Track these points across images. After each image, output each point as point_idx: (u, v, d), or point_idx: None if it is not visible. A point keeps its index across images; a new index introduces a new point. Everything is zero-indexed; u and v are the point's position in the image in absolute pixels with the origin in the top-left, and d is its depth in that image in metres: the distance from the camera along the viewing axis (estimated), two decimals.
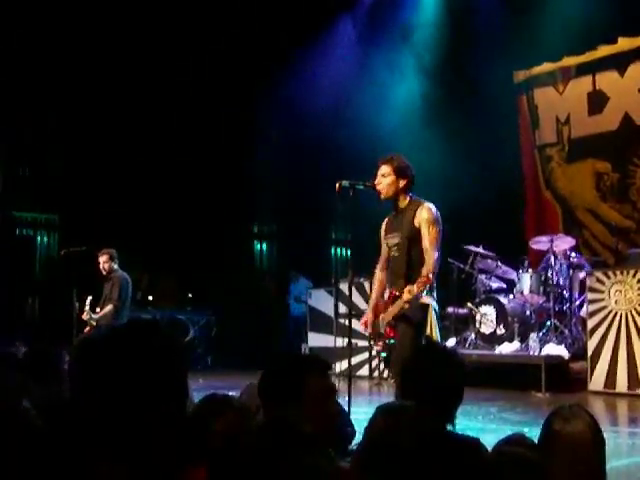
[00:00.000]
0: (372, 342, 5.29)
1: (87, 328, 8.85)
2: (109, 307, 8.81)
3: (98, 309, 8.87)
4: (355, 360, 10.50)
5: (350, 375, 5.28)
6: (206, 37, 12.18)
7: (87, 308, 8.74)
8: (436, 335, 4.97)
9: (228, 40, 12.18)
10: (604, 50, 11.77)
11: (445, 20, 11.48)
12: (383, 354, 5.12)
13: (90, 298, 8.80)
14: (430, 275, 4.69)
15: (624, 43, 11.51)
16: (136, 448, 1.46)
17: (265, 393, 2.62)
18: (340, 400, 4.38)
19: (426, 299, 4.86)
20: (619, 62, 11.63)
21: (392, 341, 4.95)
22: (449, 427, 2.94)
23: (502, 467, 2.31)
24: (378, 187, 5.02)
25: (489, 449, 2.55)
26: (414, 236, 4.92)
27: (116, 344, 1.56)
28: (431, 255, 4.82)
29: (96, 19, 11.73)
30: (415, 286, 4.63)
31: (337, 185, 5.09)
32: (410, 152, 5.48)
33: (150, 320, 4.64)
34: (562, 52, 12.14)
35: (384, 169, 5.02)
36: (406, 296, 4.66)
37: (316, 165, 11.19)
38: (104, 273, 9.00)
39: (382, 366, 10.44)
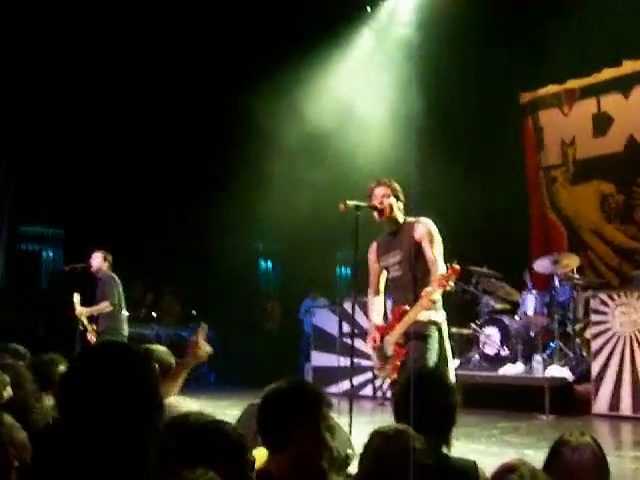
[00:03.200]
0: (377, 367, 5.18)
1: (90, 336, 8.88)
2: (105, 303, 8.80)
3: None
4: (359, 380, 10.47)
5: (352, 395, 5.25)
6: (206, 41, 12.18)
7: (77, 302, 8.78)
8: (448, 354, 4.97)
9: (228, 44, 12.19)
10: (608, 73, 11.83)
11: (450, 39, 11.53)
12: (388, 379, 5.06)
13: (77, 294, 8.84)
14: (456, 268, 4.70)
15: (628, 66, 11.58)
16: (109, 465, 1.51)
17: (261, 429, 2.56)
18: (341, 420, 4.38)
19: (437, 317, 4.88)
20: (623, 85, 11.69)
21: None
22: (444, 450, 2.95)
23: None
24: (380, 207, 5.09)
25: (488, 472, 2.55)
26: (416, 251, 4.98)
27: (86, 366, 1.61)
28: (437, 263, 4.88)
29: (78, 23, 11.76)
30: (435, 284, 4.67)
31: (342, 205, 5.12)
32: (412, 172, 5.53)
33: (119, 342, 4.69)
34: (567, 74, 12.20)
35: (384, 190, 5.13)
36: (425, 298, 4.65)
37: (321, 182, 11.21)
38: (91, 269, 9.02)
39: (385, 386, 10.41)
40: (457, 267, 4.70)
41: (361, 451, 2.51)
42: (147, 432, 1.54)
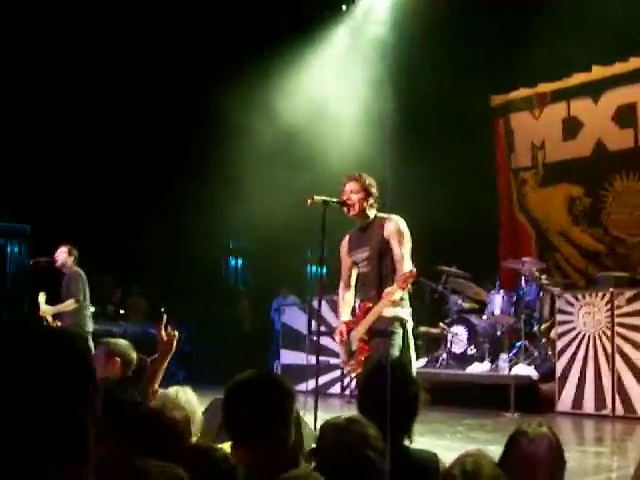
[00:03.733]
0: (343, 362, 5.21)
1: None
2: (69, 300, 8.69)
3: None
4: (327, 378, 10.51)
5: (317, 392, 5.25)
6: (176, 39, 12.13)
7: (42, 302, 8.70)
8: (412, 351, 4.99)
9: (199, 42, 12.14)
10: (578, 78, 11.99)
11: (424, 40, 11.60)
12: (354, 374, 5.08)
13: (43, 294, 8.76)
14: (413, 270, 4.73)
15: (598, 71, 11.75)
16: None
17: (226, 422, 2.46)
18: (307, 418, 4.38)
19: (402, 314, 4.90)
20: (593, 90, 11.85)
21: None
22: (406, 442, 2.98)
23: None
24: (348, 203, 5.09)
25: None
26: (384, 249, 4.98)
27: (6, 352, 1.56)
28: (403, 261, 4.89)
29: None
30: (395, 285, 4.67)
31: (309, 200, 5.13)
32: (384, 171, 5.56)
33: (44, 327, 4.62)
34: (538, 78, 12.35)
35: (353, 186, 5.11)
36: (386, 298, 4.68)
37: (291, 179, 11.22)
38: (56, 264, 8.94)
39: (353, 384, 10.45)
40: (414, 271, 4.74)
41: (314, 444, 2.49)
42: (80, 415, 1.49)
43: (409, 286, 4.76)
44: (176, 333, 3.75)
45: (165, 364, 3.83)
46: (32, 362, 1.45)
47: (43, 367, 1.45)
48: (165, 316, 3.78)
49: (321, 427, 2.50)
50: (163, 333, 3.74)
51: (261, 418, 2.35)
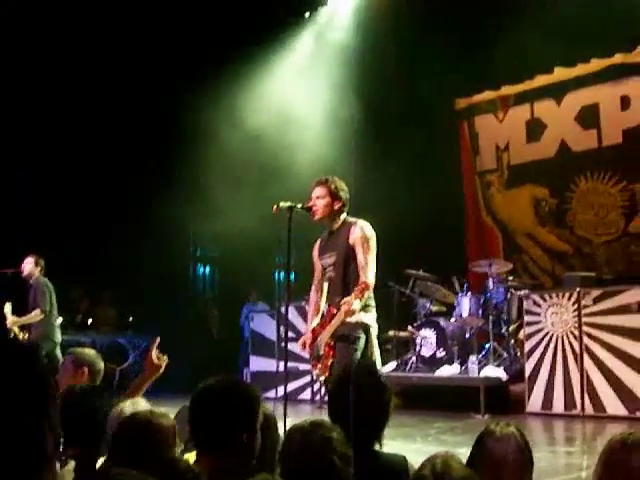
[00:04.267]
0: (312, 366, 5.22)
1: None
2: (36, 311, 8.66)
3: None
4: (297, 384, 10.47)
5: (286, 399, 5.21)
6: (140, 45, 12.06)
7: (8, 314, 8.63)
8: (376, 356, 4.97)
9: (169, 49, 12.09)
10: (541, 80, 12.11)
11: (387, 44, 11.65)
12: (322, 377, 5.08)
13: (9, 304, 8.68)
14: (367, 281, 4.71)
15: (560, 73, 11.87)
16: None
17: (193, 428, 2.47)
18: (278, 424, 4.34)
19: (366, 319, 4.88)
20: (555, 91, 11.97)
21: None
22: (376, 446, 2.96)
23: None
24: (313, 209, 5.06)
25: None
26: (349, 255, 4.95)
27: None
28: (366, 268, 4.86)
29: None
30: (352, 296, 4.64)
31: (275, 207, 5.08)
32: (350, 175, 5.53)
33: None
34: (501, 81, 12.45)
35: (319, 191, 5.07)
36: (344, 307, 4.66)
37: (259, 186, 11.17)
38: (23, 274, 8.88)
39: (323, 390, 10.43)
40: (368, 282, 4.73)
41: (279, 449, 2.48)
42: (36, 424, 1.54)
43: (370, 293, 4.77)
44: (166, 358, 3.72)
45: (148, 384, 3.79)
46: None
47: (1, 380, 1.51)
48: (158, 339, 3.76)
49: (287, 431, 2.49)
50: (154, 355, 3.71)
51: (226, 425, 2.35)
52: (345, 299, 4.68)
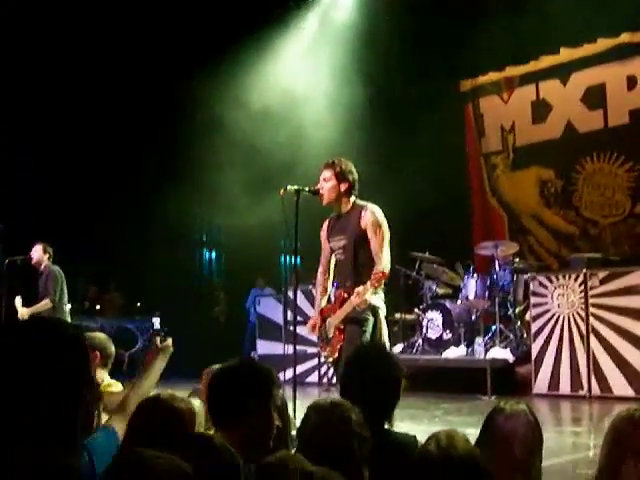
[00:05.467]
0: (320, 347, 5.24)
1: None
2: (45, 301, 8.70)
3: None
4: (304, 367, 10.51)
5: (295, 382, 5.24)
6: (146, 32, 12.04)
7: (19, 306, 8.68)
8: (384, 338, 4.99)
9: (171, 33, 12.06)
10: (547, 60, 12.03)
11: (392, 25, 11.58)
12: (330, 359, 5.11)
13: (19, 298, 8.73)
14: (385, 271, 4.72)
15: (566, 54, 11.79)
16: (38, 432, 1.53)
17: (211, 408, 2.55)
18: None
19: (374, 301, 4.88)
20: (561, 72, 11.89)
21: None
22: (387, 426, 2.98)
23: (435, 460, 2.34)
24: (320, 191, 5.05)
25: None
26: (360, 239, 4.93)
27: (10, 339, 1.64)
28: (381, 255, 4.85)
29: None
30: (368, 284, 4.64)
31: (281, 190, 5.08)
32: (356, 158, 5.49)
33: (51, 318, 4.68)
34: (506, 62, 12.38)
35: (326, 173, 5.03)
36: (356, 298, 4.67)
37: (265, 169, 11.16)
38: (32, 261, 8.91)
39: (331, 372, 10.48)
40: (386, 272, 4.73)
41: (299, 426, 2.52)
42: (74, 408, 1.54)
43: (379, 288, 4.79)
44: (170, 341, 3.69)
45: (160, 366, 3.77)
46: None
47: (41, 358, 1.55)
48: (159, 339, 3.75)
49: (307, 408, 2.54)
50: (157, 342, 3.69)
51: (244, 402, 2.45)
52: (360, 288, 4.67)
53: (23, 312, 8.75)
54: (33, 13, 11.40)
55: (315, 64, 11.79)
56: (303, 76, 11.57)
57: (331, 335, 4.99)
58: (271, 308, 11.63)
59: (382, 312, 4.96)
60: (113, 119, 12.75)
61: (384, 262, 4.82)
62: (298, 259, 5.58)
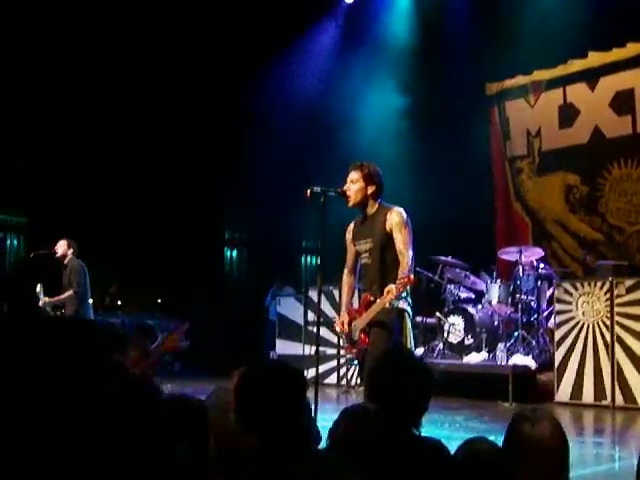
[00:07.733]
0: (345, 349, 5.21)
1: None
2: (68, 292, 8.74)
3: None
4: (323, 368, 10.47)
5: (317, 382, 5.22)
6: (180, 43, 12.09)
7: (41, 295, 8.71)
8: (410, 341, 4.95)
9: (205, 44, 12.10)
10: (575, 65, 11.90)
11: (419, 32, 11.55)
12: (355, 362, 5.09)
13: (40, 285, 8.76)
14: (411, 276, 4.69)
15: (594, 58, 11.65)
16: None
17: (239, 407, 2.52)
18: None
19: (401, 304, 4.85)
20: (590, 76, 11.76)
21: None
22: (414, 432, 2.93)
23: (465, 465, 2.31)
24: (347, 193, 5.01)
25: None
26: (386, 241, 4.90)
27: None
28: (406, 256, 4.81)
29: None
30: (395, 287, 4.61)
31: (308, 191, 5.03)
32: (381, 162, 5.44)
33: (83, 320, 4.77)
34: (534, 65, 12.27)
35: (353, 175, 5.00)
36: (387, 297, 4.63)
37: (289, 172, 11.15)
38: (56, 255, 8.95)
39: (350, 374, 10.44)
40: (412, 276, 4.70)
41: (331, 427, 2.50)
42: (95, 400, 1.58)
43: (404, 291, 4.75)
44: (184, 344, 3.75)
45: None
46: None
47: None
48: (187, 325, 3.80)
49: (340, 412, 2.54)
50: (177, 337, 3.74)
51: (274, 405, 2.42)
52: (388, 288, 4.63)
53: (45, 301, 8.80)
54: (43, 9, 11.44)
55: (346, 67, 11.84)
56: (334, 81, 11.63)
57: (356, 338, 4.96)
58: (291, 308, 11.60)
59: (409, 316, 4.92)
60: (134, 115, 12.78)
61: (408, 263, 4.78)
62: (318, 260, 5.55)
